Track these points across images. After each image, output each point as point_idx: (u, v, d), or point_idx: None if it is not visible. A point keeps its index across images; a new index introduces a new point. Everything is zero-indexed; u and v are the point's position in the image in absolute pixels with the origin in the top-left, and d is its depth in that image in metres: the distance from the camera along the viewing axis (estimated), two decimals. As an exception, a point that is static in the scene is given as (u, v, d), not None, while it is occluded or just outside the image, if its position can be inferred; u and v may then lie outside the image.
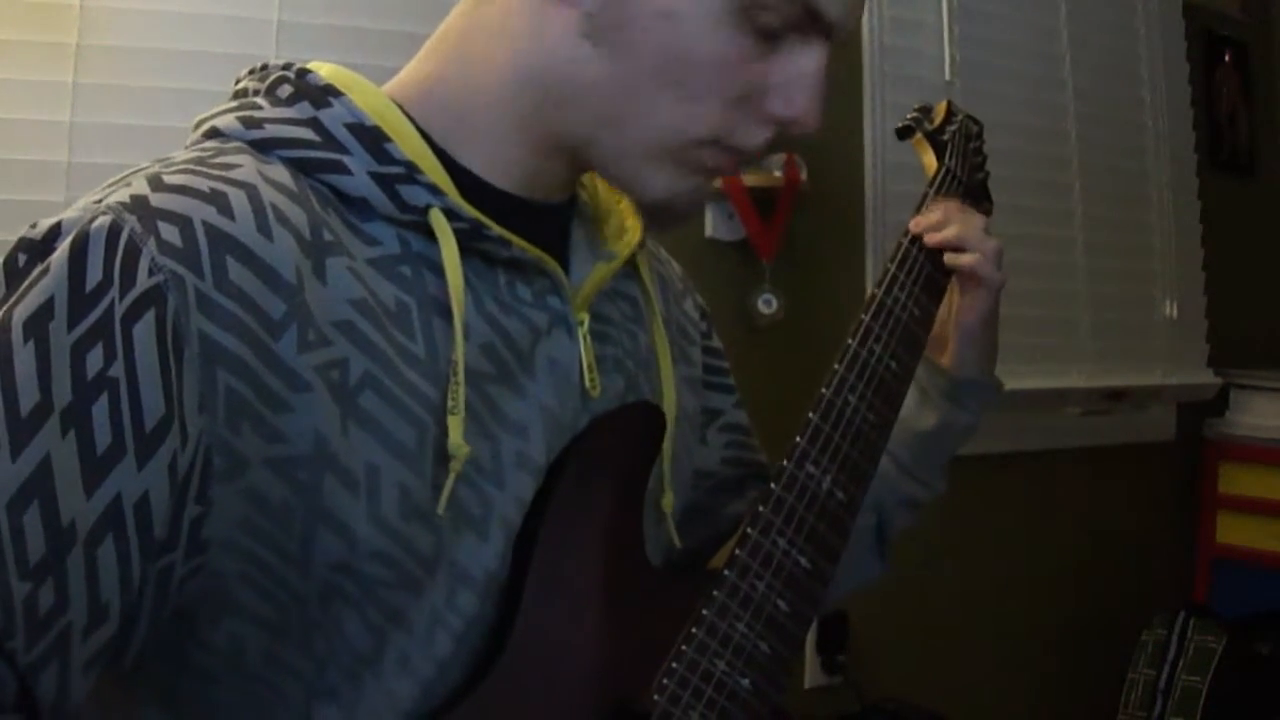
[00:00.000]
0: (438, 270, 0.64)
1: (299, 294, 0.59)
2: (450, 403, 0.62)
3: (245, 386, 0.57)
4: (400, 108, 0.67)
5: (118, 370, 0.54)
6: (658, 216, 0.72)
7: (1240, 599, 2.30)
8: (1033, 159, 2.13)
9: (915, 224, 0.92)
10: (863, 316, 0.85)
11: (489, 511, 0.65)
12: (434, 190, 0.64)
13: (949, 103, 1.05)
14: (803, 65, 0.66)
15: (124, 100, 1.37)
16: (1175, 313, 2.31)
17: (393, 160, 0.63)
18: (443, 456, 0.63)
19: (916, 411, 0.93)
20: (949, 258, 0.91)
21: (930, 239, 0.91)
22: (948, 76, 2.00)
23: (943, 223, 0.92)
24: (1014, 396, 2.05)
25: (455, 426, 0.62)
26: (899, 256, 0.89)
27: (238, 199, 0.59)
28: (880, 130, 1.92)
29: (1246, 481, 2.38)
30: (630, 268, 0.78)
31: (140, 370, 0.54)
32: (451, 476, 0.63)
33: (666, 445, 0.76)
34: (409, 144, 0.65)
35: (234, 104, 0.67)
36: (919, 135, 1.02)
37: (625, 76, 0.64)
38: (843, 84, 1.91)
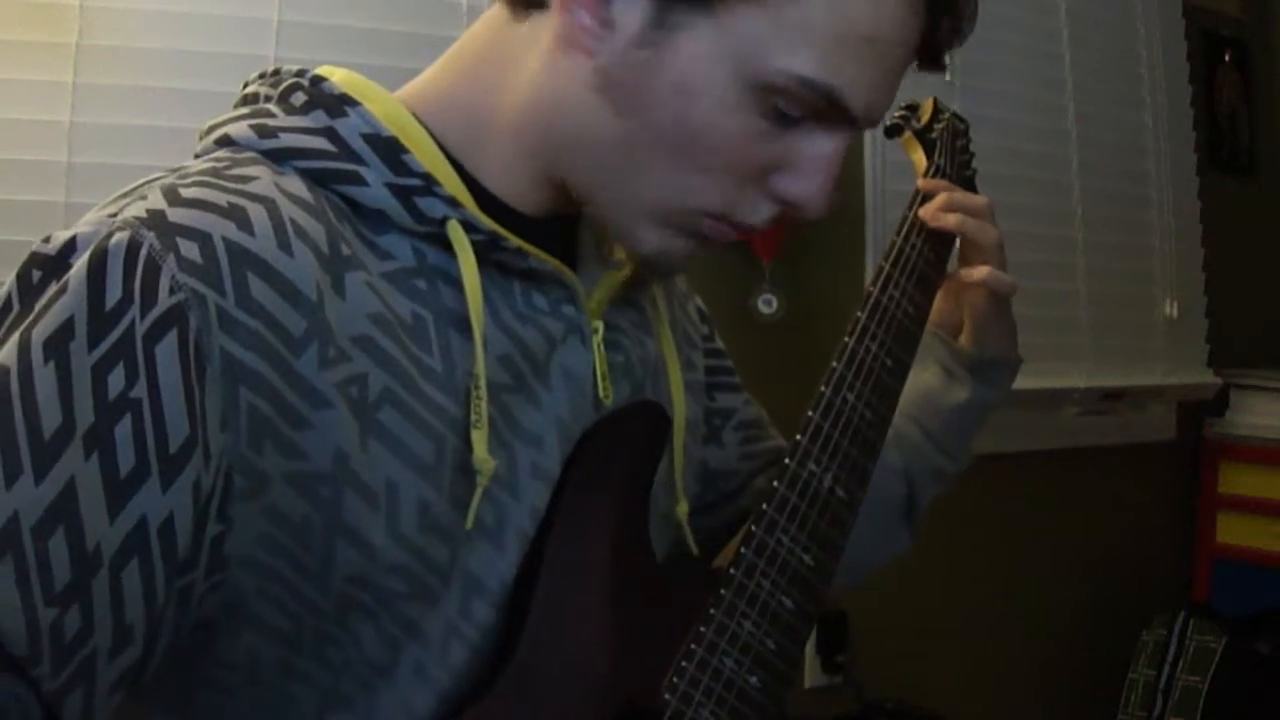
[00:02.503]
0: (454, 283, 0.64)
1: (319, 310, 0.58)
2: (474, 417, 0.62)
3: (267, 404, 0.56)
4: (416, 117, 0.66)
5: (140, 391, 0.53)
6: (648, 268, 0.73)
7: (1240, 599, 2.30)
8: (1033, 159, 2.13)
9: (923, 211, 0.93)
10: (859, 314, 0.85)
11: (505, 522, 0.65)
12: (452, 203, 0.63)
13: (935, 100, 1.05)
14: (819, 149, 0.65)
15: (124, 100, 1.37)
16: (1175, 313, 2.31)
17: (410, 172, 0.63)
18: (461, 470, 0.63)
19: (945, 388, 0.95)
20: (964, 232, 0.92)
21: (938, 221, 0.92)
22: (948, 76, 2.00)
23: (946, 206, 0.93)
24: (1014, 396, 2.03)
25: (480, 441, 0.62)
26: (893, 255, 0.90)
27: (257, 214, 0.58)
28: (880, 131, 1.92)
29: (1246, 481, 2.38)
30: (637, 275, 0.78)
31: (163, 390, 0.53)
32: (478, 491, 0.63)
33: (678, 454, 0.77)
34: (426, 155, 0.64)
35: (245, 110, 0.66)
36: (908, 133, 1.02)
37: (630, 137, 0.64)
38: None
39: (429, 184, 0.63)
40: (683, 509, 0.78)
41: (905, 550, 0.99)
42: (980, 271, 0.91)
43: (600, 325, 0.72)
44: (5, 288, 0.56)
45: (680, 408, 0.78)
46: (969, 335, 0.95)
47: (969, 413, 0.96)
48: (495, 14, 0.69)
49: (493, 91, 0.67)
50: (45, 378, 0.52)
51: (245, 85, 0.70)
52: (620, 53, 0.62)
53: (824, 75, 0.61)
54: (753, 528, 0.74)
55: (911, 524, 0.98)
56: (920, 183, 0.96)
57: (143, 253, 0.54)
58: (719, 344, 0.93)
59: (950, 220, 0.91)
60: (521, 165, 0.68)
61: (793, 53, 0.61)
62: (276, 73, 0.68)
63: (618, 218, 0.67)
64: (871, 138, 1.93)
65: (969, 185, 1.03)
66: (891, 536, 0.97)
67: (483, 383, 0.63)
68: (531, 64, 0.66)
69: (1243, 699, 2.10)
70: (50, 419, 0.51)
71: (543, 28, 0.65)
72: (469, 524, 0.63)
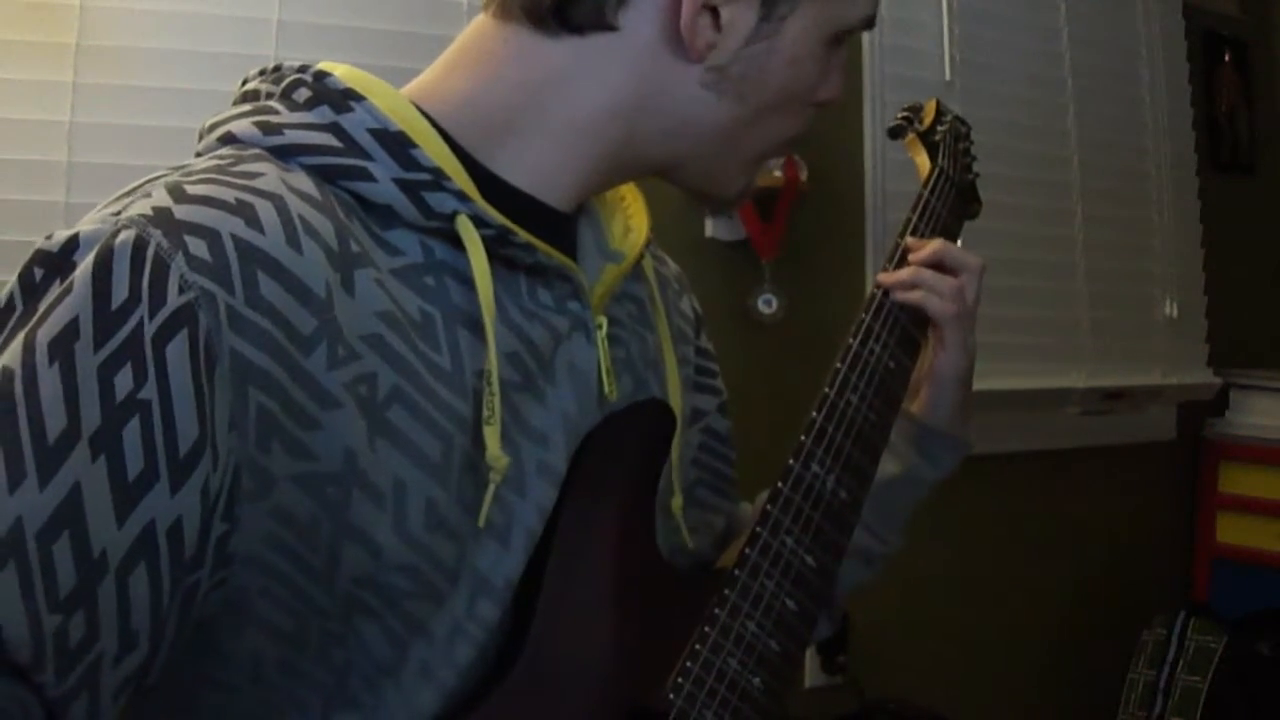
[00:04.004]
0: (462, 279, 0.64)
1: (329, 309, 0.57)
2: (486, 413, 0.62)
3: (275, 404, 0.55)
4: (422, 113, 0.65)
5: (149, 392, 0.52)
6: (723, 208, 0.83)
7: (1240, 599, 2.30)
8: (1033, 159, 2.13)
9: (882, 279, 0.89)
10: (863, 316, 0.85)
11: (511, 520, 0.65)
12: (461, 197, 0.63)
13: (937, 102, 1.05)
14: (841, 56, 0.76)
15: (124, 100, 1.37)
16: (1175, 313, 2.31)
17: (419, 166, 0.62)
18: (469, 468, 0.62)
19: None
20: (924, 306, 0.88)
21: (901, 297, 0.88)
22: (948, 76, 2.00)
23: (912, 283, 0.89)
24: (1014, 396, 2.06)
25: (493, 437, 0.62)
26: (897, 258, 0.90)
27: (265, 210, 0.57)
28: (880, 130, 1.92)
29: (1246, 481, 2.38)
30: (635, 268, 0.78)
31: (174, 392, 0.52)
32: (491, 489, 0.62)
33: (674, 447, 0.76)
34: (434, 149, 0.63)
35: (247, 108, 0.65)
36: (911, 135, 1.02)
37: (747, 113, 0.71)
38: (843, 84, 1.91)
39: (438, 178, 0.62)
40: (677, 502, 0.78)
41: (823, 637, 0.93)
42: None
43: (604, 320, 0.71)
44: (7, 287, 0.56)
45: (678, 403, 0.77)
46: (922, 402, 0.91)
47: (900, 489, 0.90)
48: (508, 25, 0.68)
49: (537, 99, 0.67)
50: (50, 380, 0.51)
51: (244, 82, 0.69)
52: (734, 51, 0.69)
53: (874, 8, 0.76)
54: (757, 528, 0.74)
55: (830, 611, 0.92)
56: (908, 241, 0.92)
57: (150, 251, 0.53)
58: (706, 344, 0.92)
59: (913, 297, 0.88)
60: (579, 163, 0.69)
61: (865, 1, 0.74)
62: (277, 69, 0.67)
63: (711, 179, 0.75)
64: (871, 139, 1.93)
65: (971, 188, 1.04)
66: None
67: (495, 379, 0.62)
68: (604, 77, 0.67)
69: (1243, 699, 2.10)
70: (55, 422, 0.51)
71: (606, 42, 0.67)
72: (481, 522, 0.62)
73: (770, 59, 0.70)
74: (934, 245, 0.90)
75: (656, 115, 0.69)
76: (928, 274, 0.89)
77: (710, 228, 1.80)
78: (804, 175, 1.81)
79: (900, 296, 0.87)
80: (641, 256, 0.77)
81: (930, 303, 0.88)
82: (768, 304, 1.82)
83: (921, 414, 0.91)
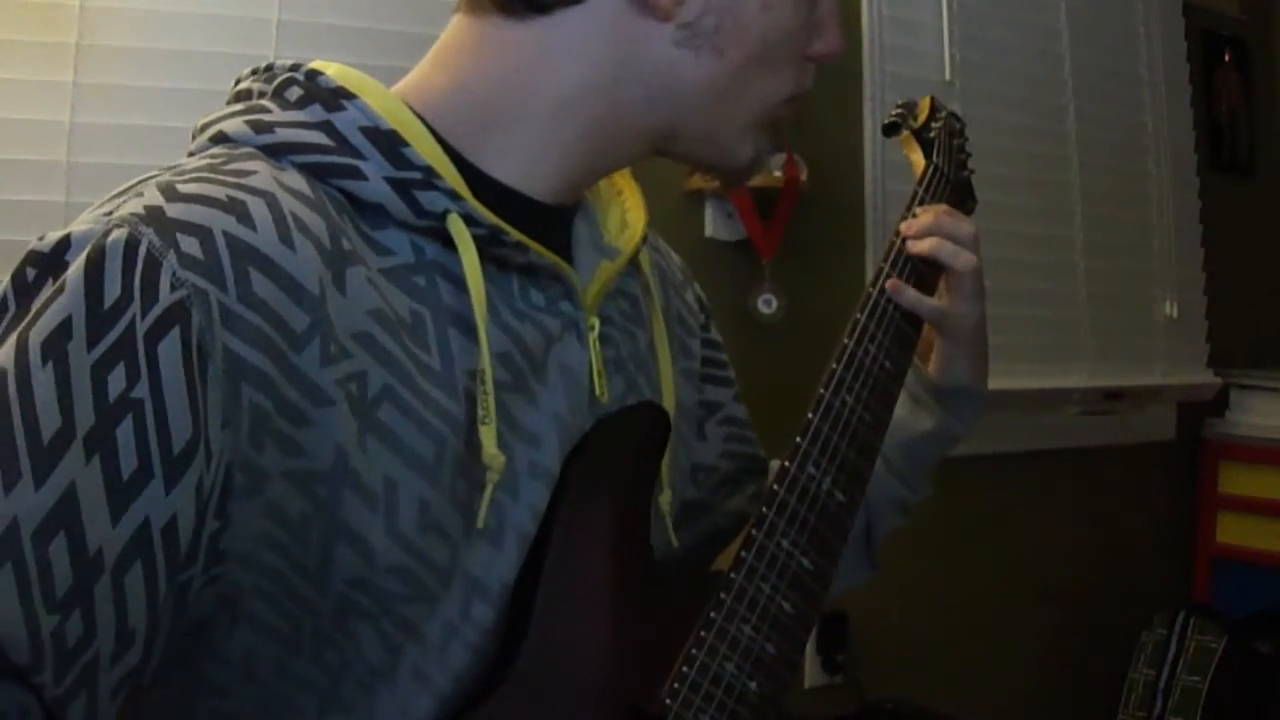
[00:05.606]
0: (453, 279, 0.64)
1: (321, 306, 0.57)
2: (481, 413, 0.62)
3: (268, 401, 0.56)
4: (413, 111, 0.65)
5: (142, 391, 0.52)
6: (739, 178, 0.77)
7: (1240, 599, 2.30)
8: (1033, 159, 2.13)
9: (905, 228, 0.91)
10: (858, 315, 0.85)
11: (504, 522, 0.65)
12: (453, 195, 0.63)
13: (932, 99, 1.04)
14: (831, 4, 0.74)
15: (124, 100, 1.37)
16: (1175, 313, 2.31)
17: (410, 165, 0.62)
18: (460, 468, 0.62)
19: (911, 415, 0.93)
20: (939, 257, 0.90)
21: (914, 247, 0.90)
22: (948, 76, 2.01)
23: (929, 229, 0.90)
24: (1014, 396, 2.05)
25: (489, 436, 0.62)
26: (892, 256, 0.89)
27: (258, 208, 0.57)
28: (879, 131, 1.92)
29: (1246, 481, 2.38)
30: (631, 262, 0.78)
31: (166, 390, 0.52)
32: (489, 488, 0.62)
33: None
34: (425, 148, 0.63)
35: (239, 107, 0.65)
36: (905, 133, 1.02)
37: (730, 68, 0.69)
38: (843, 84, 1.91)
39: (429, 177, 0.62)
40: (666, 498, 0.77)
41: (863, 582, 0.96)
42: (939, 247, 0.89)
43: (596, 322, 0.71)
44: (0, 288, 0.56)
45: (670, 398, 0.77)
46: (935, 361, 0.93)
47: (932, 443, 0.94)
48: (482, 19, 0.68)
49: (512, 86, 0.67)
50: (43, 380, 0.51)
51: (237, 82, 0.69)
52: (701, 2, 0.67)
53: None
54: (752, 531, 0.74)
55: (870, 556, 0.96)
56: (916, 210, 0.93)
57: (142, 249, 0.53)
58: (715, 335, 0.92)
59: (924, 246, 0.89)
60: (562, 149, 0.68)
61: None
62: (269, 68, 0.67)
63: (715, 145, 0.73)
64: (871, 139, 1.93)
65: (966, 186, 1.03)
66: (850, 569, 0.94)
67: (489, 378, 0.62)
68: (572, 52, 0.67)
69: (1243, 699, 2.11)
70: (49, 422, 0.51)
71: (574, 18, 0.66)
72: (480, 523, 0.62)
73: (741, 6, 0.68)
74: (926, 219, 0.91)
75: (636, 83, 0.68)
76: (946, 220, 0.90)
77: (710, 228, 1.80)
78: (804, 175, 1.81)
79: (914, 248, 0.89)
80: (638, 250, 0.77)
81: (944, 250, 0.89)
82: (768, 304, 1.82)
83: (939, 376, 0.92)
